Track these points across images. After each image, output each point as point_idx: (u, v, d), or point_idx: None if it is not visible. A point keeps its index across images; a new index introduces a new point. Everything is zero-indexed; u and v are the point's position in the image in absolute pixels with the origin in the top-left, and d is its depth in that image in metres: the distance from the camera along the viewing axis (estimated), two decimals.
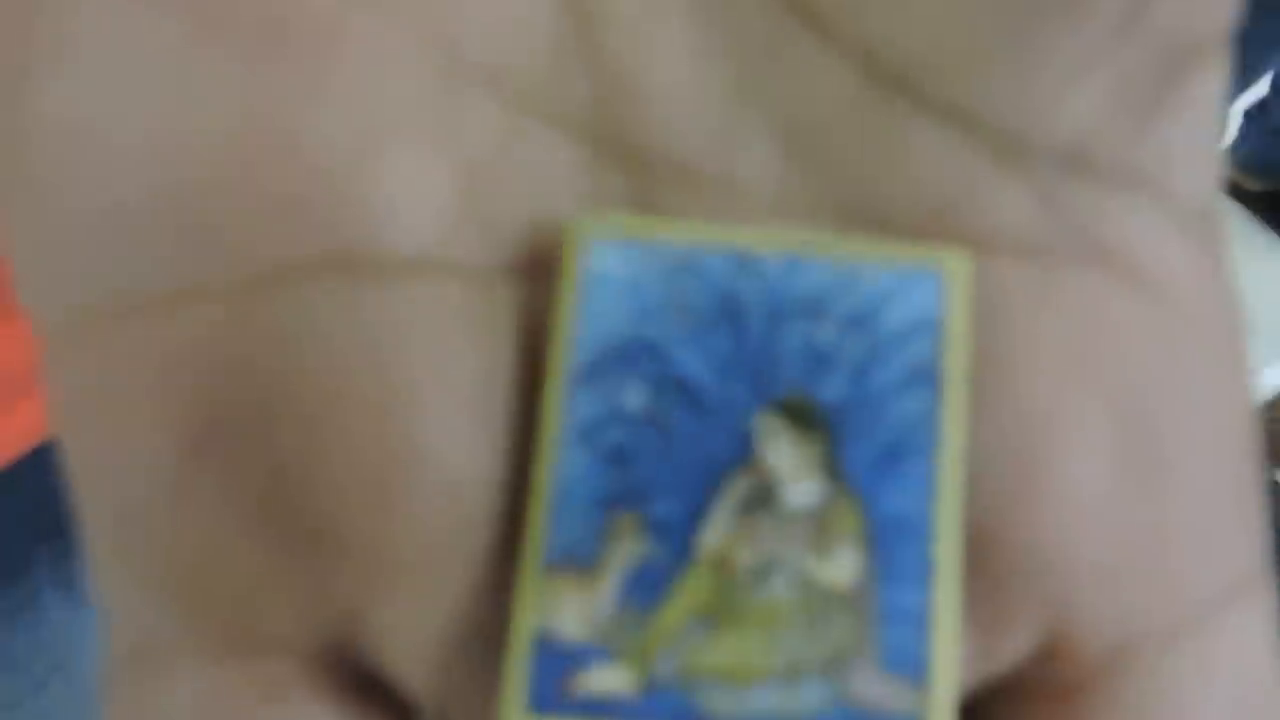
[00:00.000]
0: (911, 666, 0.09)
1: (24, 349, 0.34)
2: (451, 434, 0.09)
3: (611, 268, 0.09)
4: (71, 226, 0.09)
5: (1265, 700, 0.09)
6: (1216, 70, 0.10)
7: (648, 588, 0.09)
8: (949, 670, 0.09)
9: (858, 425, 0.09)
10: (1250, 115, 1.23)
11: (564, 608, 0.09)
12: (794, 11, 0.09)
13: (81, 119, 0.09)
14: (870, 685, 0.09)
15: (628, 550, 0.09)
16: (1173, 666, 0.09)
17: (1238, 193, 1.26)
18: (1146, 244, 0.09)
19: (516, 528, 0.09)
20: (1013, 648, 0.09)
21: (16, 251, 0.09)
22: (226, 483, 0.09)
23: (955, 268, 0.09)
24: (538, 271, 0.09)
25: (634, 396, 0.09)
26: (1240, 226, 1.24)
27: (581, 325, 0.09)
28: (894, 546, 0.09)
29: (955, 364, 0.09)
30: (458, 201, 0.09)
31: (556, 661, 0.09)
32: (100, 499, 0.09)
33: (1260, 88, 1.19)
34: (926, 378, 0.09)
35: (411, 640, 0.09)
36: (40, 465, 0.38)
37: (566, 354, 0.09)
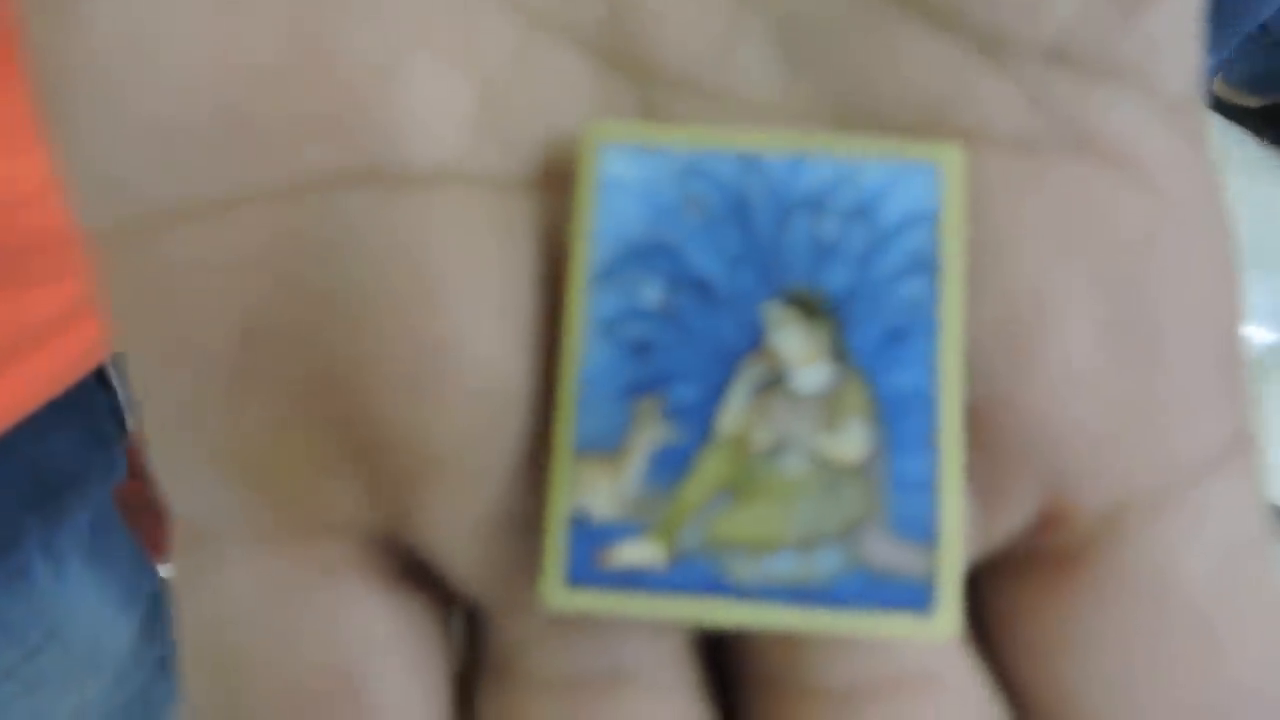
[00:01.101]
0: (921, 530, 0.09)
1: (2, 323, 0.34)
2: (482, 329, 0.09)
3: (625, 172, 0.10)
4: (126, 138, 0.09)
5: (1253, 558, 0.10)
6: None
7: (671, 468, 0.09)
8: (956, 533, 0.09)
9: (861, 311, 0.10)
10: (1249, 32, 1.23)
11: (594, 489, 0.09)
12: None
13: (133, 37, 0.09)
14: (883, 549, 0.09)
15: (651, 434, 0.09)
16: (1164, 529, 0.10)
17: (1234, 109, 1.26)
18: (1131, 132, 0.10)
19: (546, 417, 0.10)
20: (1011, 518, 0.10)
21: (71, 164, 0.09)
22: (278, 373, 0.09)
23: (950, 161, 0.10)
24: (555, 181, 0.10)
25: (651, 292, 0.10)
26: (1237, 142, 1.25)
27: (599, 227, 0.10)
28: (900, 420, 0.09)
29: (952, 252, 0.10)
30: (477, 116, 0.10)
31: (590, 539, 0.09)
32: (161, 394, 0.09)
33: None
34: (925, 265, 0.10)
35: (454, 525, 0.09)
36: (30, 435, 0.38)
37: (586, 254, 0.10)
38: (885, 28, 0.10)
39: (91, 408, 0.43)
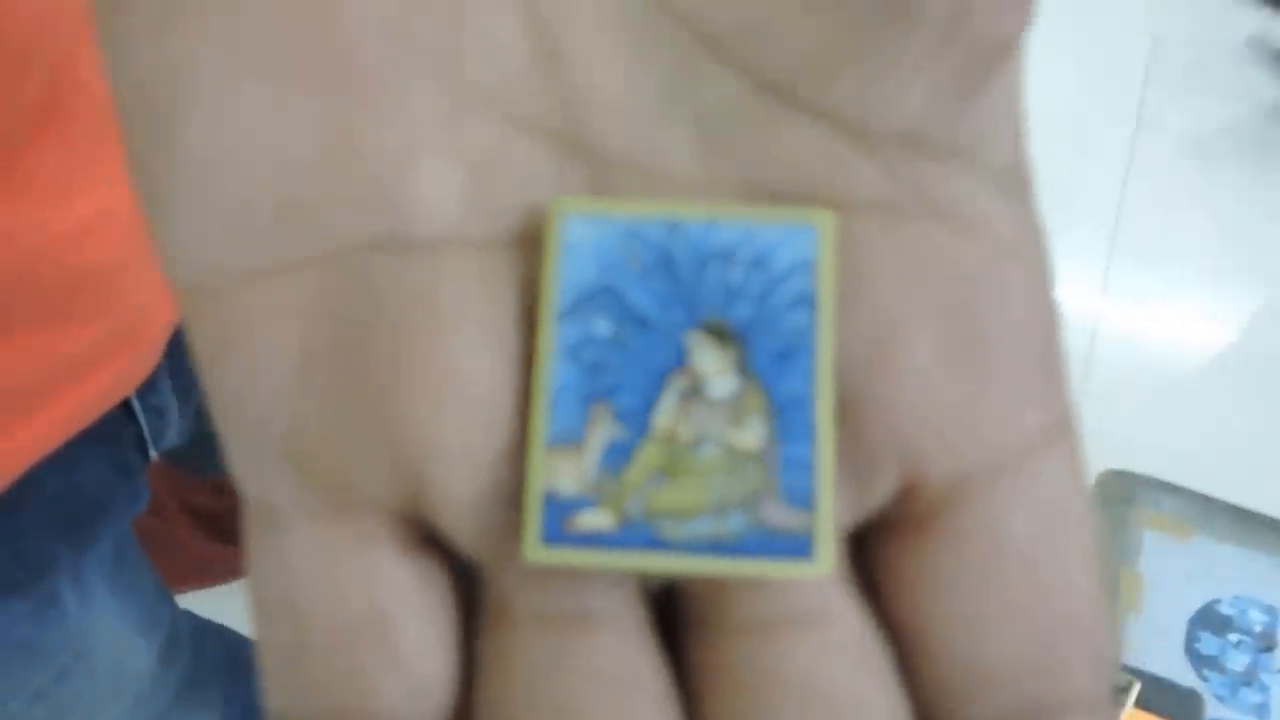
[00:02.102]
0: (803, 499, 0.12)
1: (27, 366, 0.37)
2: (478, 355, 0.13)
3: (581, 235, 0.13)
4: (206, 219, 0.12)
5: (1073, 519, 0.13)
6: (1017, 61, 0.13)
7: (619, 456, 0.13)
8: (829, 501, 0.12)
9: (760, 336, 0.13)
10: None
11: (561, 472, 0.12)
12: (700, 38, 0.13)
13: (212, 145, 0.12)
14: (776, 514, 0.12)
15: (604, 431, 0.13)
16: (997, 494, 0.13)
17: None
18: (967, 197, 0.13)
19: (525, 419, 0.13)
20: (879, 490, 0.13)
21: (164, 238, 0.13)
22: (329, 392, 0.12)
23: (824, 223, 0.13)
24: (528, 242, 0.13)
25: (602, 325, 0.13)
26: None
27: (562, 278, 0.13)
28: (787, 418, 0.13)
29: (826, 291, 0.13)
30: (467, 194, 0.13)
31: (558, 509, 0.12)
32: (238, 405, 0.13)
33: None
34: (806, 302, 0.13)
35: (457, 500, 0.13)
36: (62, 465, 0.41)
37: (552, 298, 0.13)
38: (776, 118, 0.13)
39: (118, 438, 0.46)
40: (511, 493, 0.13)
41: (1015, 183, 0.14)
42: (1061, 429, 0.13)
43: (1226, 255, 1.43)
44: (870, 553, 0.14)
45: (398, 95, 0.13)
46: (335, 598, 0.13)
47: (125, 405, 0.47)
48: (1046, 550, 0.13)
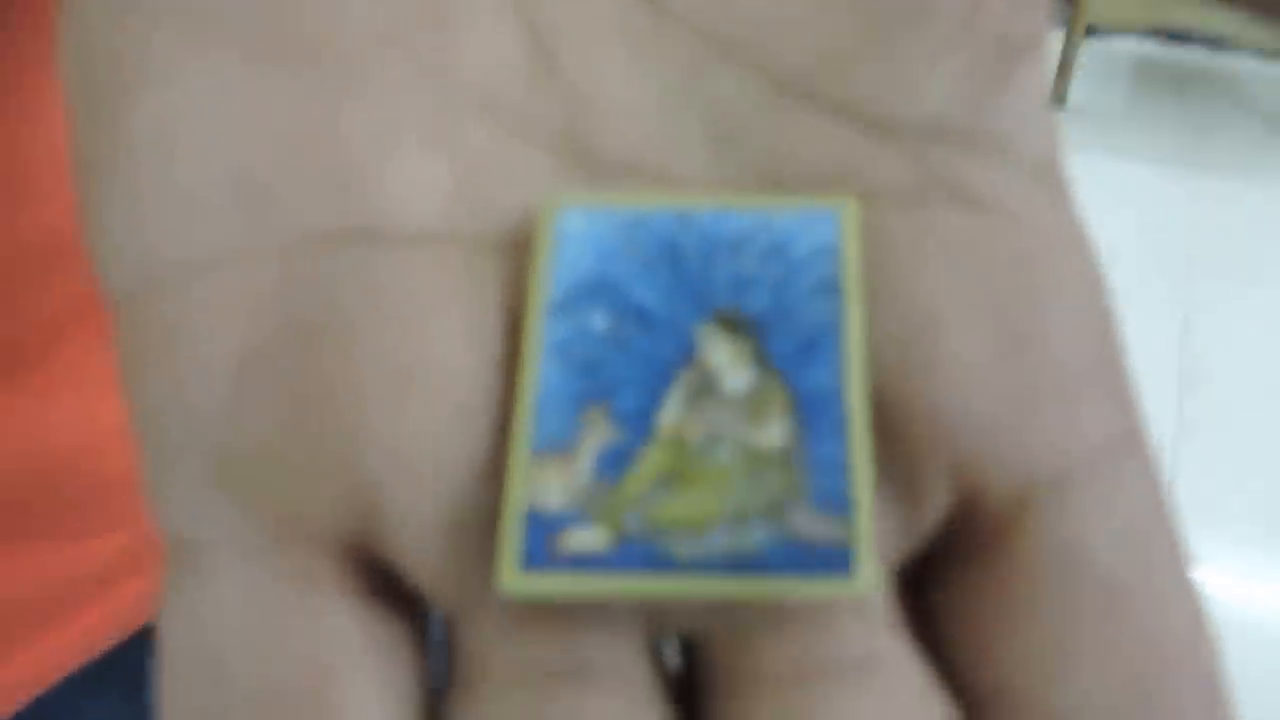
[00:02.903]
0: (837, 505, 0.10)
1: (31, 582, 0.35)
2: (449, 351, 0.11)
3: (577, 227, 0.12)
4: (152, 206, 0.11)
5: (1159, 535, 0.11)
6: (1039, 63, 0.12)
7: (616, 464, 0.11)
8: (868, 504, 0.10)
9: (779, 327, 0.11)
10: None
11: (548, 484, 0.10)
12: (705, 40, 0.12)
13: (170, 122, 0.11)
14: (805, 522, 0.10)
15: (598, 435, 0.11)
16: (1070, 508, 0.11)
17: None
18: (1003, 188, 0.12)
19: (505, 427, 0.11)
20: (928, 511, 0.11)
21: (102, 233, 0.11)
22: (274, 393, 0.11)
23: (846, 208, 0.12)
24: (518, 247, 0.12)
25: (598, 320, 0.11)
26: None
27: (554, 269, 0.11)
28: (815, 414, 0.11)
29: (852, 278, 0.11)
30: (454, 192, 0.12)
31: (543, 527, 0.10)
32: (164, 422, 0.11)
33: None
34: (831, 289, 0.11)
35: (417, 524, 0.11)
36: (67, 705, 0.38)
37: (542, 291, 0.11)
38: (793, 117, 0.12)
39: (135, 672, 0.43)
40: (487, 516, 0.11)
41: (1050, 177, 0.12)
42: (1133, 441, 0.11)
43: None
44: (924, 589, 0.11)
45: (379, 87, 0.12)
46: (267, 653, 0.10)
47: (143, 633, 0.44)
48: (1137, 573, 0.11)
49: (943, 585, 0.11)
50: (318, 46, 0.12)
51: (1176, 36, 1.86)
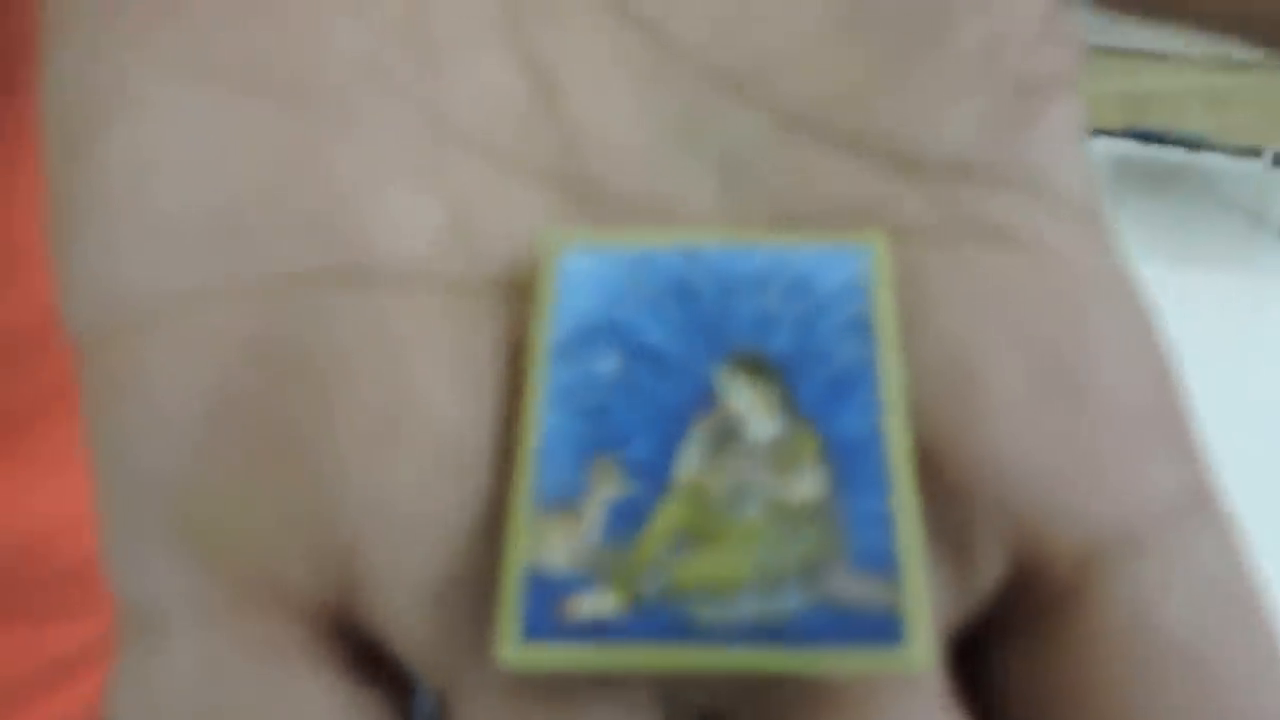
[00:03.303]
0: (882, 562, 0.09)
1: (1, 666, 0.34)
2: (438, 396, 0.10)
3: (581, 266, 0.11)
4: (122, 242, 0.10)
5: (1239, 599, 0.10)
6: (1071, 100, 0.12)
7: (629, 520, 0.09)
8: (919, 564, 0.09)
9: (806, 369, 0.10)
10: None
11: (552, 543, 0.09)
12: (711, 75, 0.11)
13: (146, 154, 0.10)
14: (846, 584, 0.09)
15: (608, 488, 0.10)
16: (1140, 571, 0.09)
17: None
18: (1039, 225, 0.11)
19: (502, 482, 0.10)
20: (985, 574, 0.10)
21: (71, 272, 0.10)
22: (243, 441, 0.10)
23: (875, 241, 0.11)
24: (515, 288, 0.11)
25: (606, 363, 0.10)
26: None
27: (557, 310, 0.10)
28: (852, 462, 0.09)
29: (885, 314, 0.10)
30: (446, 230, 0.11)
31: (547, 592, 0.09)
32: (126, 473, 0.10)
33: None
34: (862, 327, 0.10)
35: (402, 588, 0.09)
36: None
37: (545, 333, 0.10)
38: (806, 153, 0.11)
39: None
40: (482, 579, 0.09)
41: (1090, 216, 0.11)
42: (1205, 494, 0.10)
43: None
44: (979, 664, 0.10)
45: (366, 124, 0.11)
46: None
47: None
48: (1221, 645, 0.09)
49: (998, 658, 0.10)
50: (303, 81, 0.11)
51: (1153, 137, 1.90)
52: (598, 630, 0.09)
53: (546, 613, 0.09)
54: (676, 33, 0.12)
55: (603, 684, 0.09)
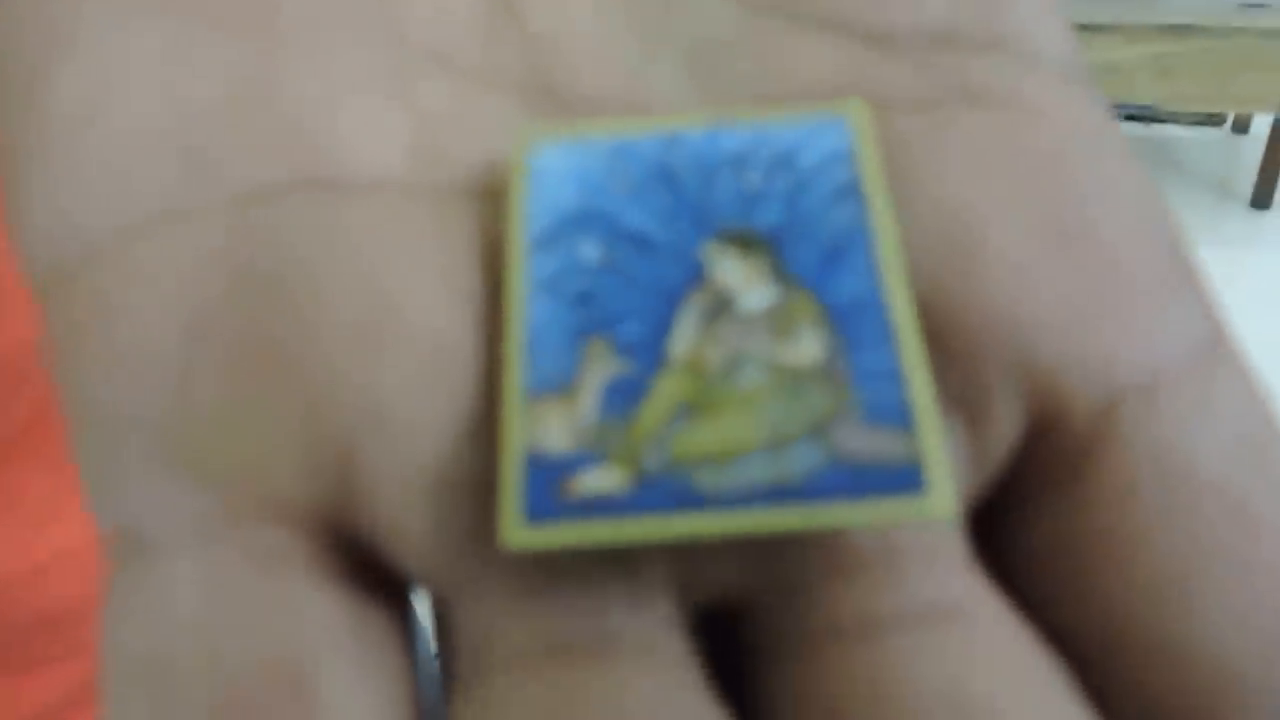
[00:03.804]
0: (896, 415, 0.09)
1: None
2: (420, 292, 0.09)
3: (555, 159, 0.10)
4: (79, 178, 0.10)
5: (1271, 441, 0.09)
6: None
7: (625, 396, 0.09)
8: (932, 413, 0.09)
9: (796, 239, 0.10)
10: None
11: (550, 425, 0.09)
12: None
13: (87, 93, 0.10)
14: (858, 438, 0.09)
15: (602, 368, 0.09)
16: (1167, 413, 0.09)
17: None
18: (1025, 86, 0.11)
19: (490, 375, 0.09)
20: (1002, 433, 0.09)
21: (26, 212, 0.10)
22: (227, 354, 0.09)
23: (854, 109, 0.10)
24: (486, 193, 0.10)
25: (589, 250, 0.10)
26: None
27: (533, 205, 0.10)
28: (853, 323, 0.09)
29: (873, 180, 0.10)
30: (412, 139, 0.10)
31: (548, 472, 0.09)
32: (106, 397, 0.09)
33: None
34: (851, 193, 0.10)
35: (398, 489, 0.09)
36: None
37: (522, 228, 0.10)
38: (782, 38, 0.11)
39: None
40: (479, 475, 0.09)
41: (1071, 77, 0.11)
42: (1224, 342, 0.10)
43: None
44: (1005, 533, 0.10)
45: (326, 44, 0.11)
46: (233, 643, 0.08)
47: None
48: (1258, 480, 0.09)
49: (1019, 521, 0.09)
50: (258, 10, 0.10)
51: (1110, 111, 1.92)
52: (602, 506, 0.08)
53: (549, 493, 0.09)
54: None
55: (611, 573, 0.09)
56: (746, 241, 0.10)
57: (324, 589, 0.09)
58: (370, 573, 0.09)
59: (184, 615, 0.09)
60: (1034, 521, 0.09)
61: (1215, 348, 0.10)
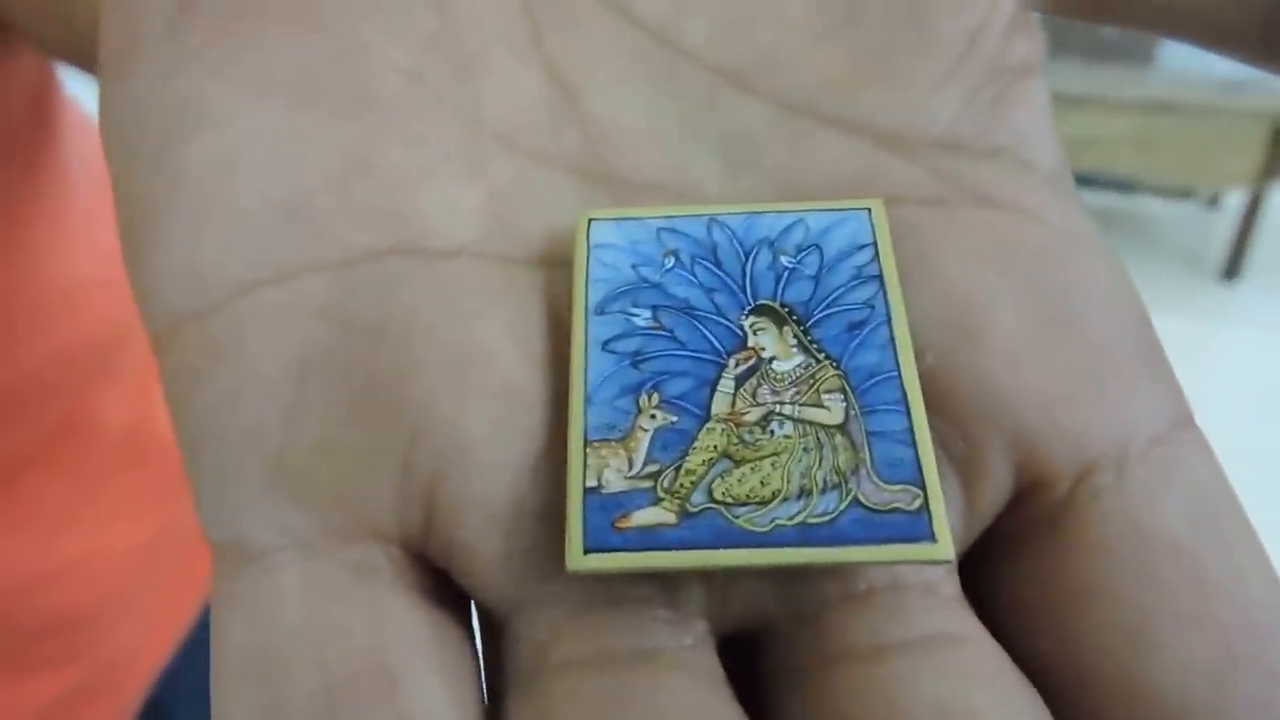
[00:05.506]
0: (906, 473, 0.10)
1: None
2: (499, 345, 0.11)
3: (612, 237, 0.12)
4: (203, 219, 0.11)
5: (1228, 508, 0.11)
6: (1039, 84, 0.13)
7: (673, 446, 0.10)
8: (935, 473, 0.10)
9: (823, 314, 0.11)
10: None
11: (607, 468, 0.10)
12: (716, 71, 0.13)
13: (228, 157, 0.11)
14: (876, 491, 0.10)
15: (654, 420, 0.11)
16: (1135, 480, 0.11)
17: None
18: (1018, 191, 0.12)
19: (558, 420, 0.11)
20: (991, 490, 0.11)
21: (154, 252, 0.11)
22: (334, 390, 0.11)
23: (875, 207, 0.12)
24: (549, 263, 0.12)
25: (642, 317, 0.11)
26: None
27: (593, 276, 0.12)
28: (870, 389, 0.11)
29: (889, 268, 0.11)
30: (487, 216, 0.12)
31: (605, 509, 0.10)
32: (218, 426, 0.11)
33: None
34: (870, 277, 0.11)
35: (477, 514, 0.10)
36: None
37: (584, 295, 0.11)
38: (806, 135, 0.13)
39: None
40: (546, 504, 0.10)
41: (1063, 185, 0.13)
42: (1188, 421, 0.11)
43: None
44: (989, 579, 0.11)
45: (414, 127, 0.12)
46: (330, 648, 0.10)
47: None
48: (1213, 545, 0.10)
49: (1004, 570, 0.11)
50: (354, 92, 0.12)
51: (1086, 180, 1.96)
52: (652, 539, 0.10)
53: (608, 526, 0.10)
54: (680, 34, 0.13)
55: (657, 596, 0.10)
56: (780, 314, 0.11)
57: (409, 600, 0.10)
58: (443, 588, 0.11)
59: (291, 619, 0.10)
60: (1014, 569, 0.11)
61: (1179, 426, 0.11)
